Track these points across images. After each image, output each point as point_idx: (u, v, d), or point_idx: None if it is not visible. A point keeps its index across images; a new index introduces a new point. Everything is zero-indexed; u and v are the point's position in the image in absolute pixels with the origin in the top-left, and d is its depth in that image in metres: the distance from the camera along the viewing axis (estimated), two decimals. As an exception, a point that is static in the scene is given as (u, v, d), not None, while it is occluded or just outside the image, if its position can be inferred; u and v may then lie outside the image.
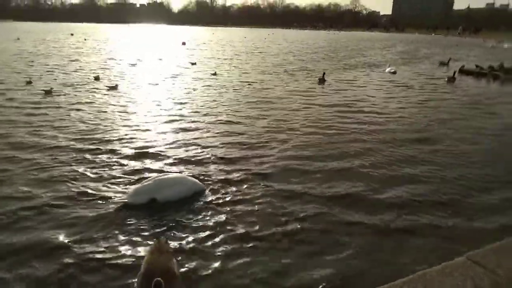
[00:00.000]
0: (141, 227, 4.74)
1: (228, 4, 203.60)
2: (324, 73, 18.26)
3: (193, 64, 23.56)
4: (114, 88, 14.21)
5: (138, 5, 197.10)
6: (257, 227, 4.81)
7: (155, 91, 14.28)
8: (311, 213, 5.16)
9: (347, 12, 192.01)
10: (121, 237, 4.49)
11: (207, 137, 8.53)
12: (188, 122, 9.80)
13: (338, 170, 6.69)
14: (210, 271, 3.96)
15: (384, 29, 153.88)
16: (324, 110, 11.61)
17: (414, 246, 4.52)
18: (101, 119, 9.81)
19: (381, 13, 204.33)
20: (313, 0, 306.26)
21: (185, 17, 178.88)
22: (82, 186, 5.77)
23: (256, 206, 5.35)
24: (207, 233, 4.64)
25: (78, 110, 10.80)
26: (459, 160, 7.31)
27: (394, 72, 21.91)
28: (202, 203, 5.41)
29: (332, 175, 6.49)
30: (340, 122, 10.16)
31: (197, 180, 5.88)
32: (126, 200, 5.26)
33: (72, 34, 56.05)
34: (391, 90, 15.97)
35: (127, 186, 5.78)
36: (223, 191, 5.77)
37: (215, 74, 18.94)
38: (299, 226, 4.84)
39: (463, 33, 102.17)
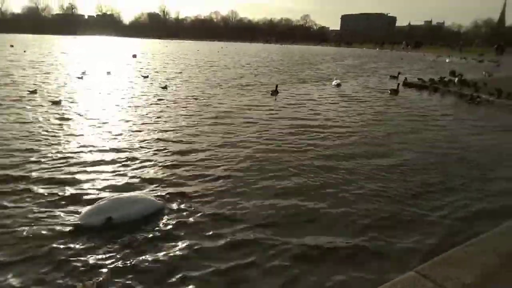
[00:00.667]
0: (91, 253, 4.32)
1: (181, 17, 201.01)
2: (277, 85, 18.51)
3: (145, 77, 22.89)
4: (57, 103, 13.35)
5: (86, 17, 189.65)
6: (214, 247, 4.59)
7: (102, 106, 13.57)
8: (266, 237, 5.02)
9: (298, 27, 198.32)
10: (64, 266, 4.06)
11: (158, 155, 8.16)
12: (137, 140, 9.33)
13: (297, 205, 6.06)
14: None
15: (335, 43, 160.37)
16: (278, 126, 11.43)
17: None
18: (43, 137, 9.09)
19: (331, 29, 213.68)
20: (266, 15, 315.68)
21: (136, 29, 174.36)
22: (23, 212, 5.19)
23: (211, 223, 5.16)
24: (163, 257, 4.37)
25: (17, 125, 9.97)
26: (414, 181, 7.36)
27: (339, 85, 22.73)
28: (159, 222, 5.15)
29: (288, 208, 5.93)
30: (295, 140, 9.92)
31: (154, 198, 5.62)
32: (79, 222, 4.81)
33: (12, 46, 52.31)
34: (341, 104, 16.41)
35: (77, 209, 5.32)
36: (180, 209, 5.55)
37: (165, 88, 18.48)
38: (262, 251, 4.65)
39: (406, 48, 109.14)
